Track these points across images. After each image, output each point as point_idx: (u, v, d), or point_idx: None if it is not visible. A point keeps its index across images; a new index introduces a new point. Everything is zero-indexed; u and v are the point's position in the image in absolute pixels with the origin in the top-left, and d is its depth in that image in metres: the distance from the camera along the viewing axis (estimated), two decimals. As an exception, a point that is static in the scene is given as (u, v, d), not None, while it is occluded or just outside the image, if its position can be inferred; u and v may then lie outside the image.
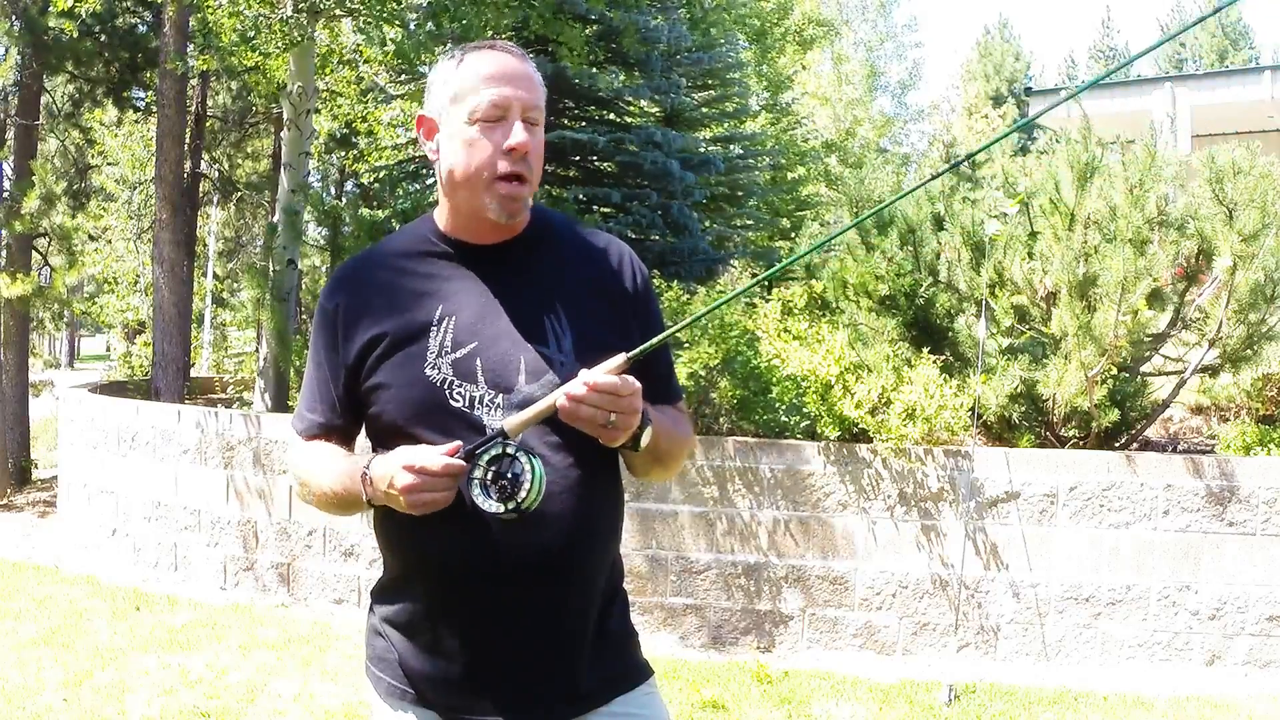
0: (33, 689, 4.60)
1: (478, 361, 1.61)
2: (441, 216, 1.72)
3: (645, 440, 1.57)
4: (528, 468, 1.48)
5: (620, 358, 1.50)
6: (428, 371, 1.61)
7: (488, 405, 1.60)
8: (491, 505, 1.48)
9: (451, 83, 1.64)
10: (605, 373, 1.48)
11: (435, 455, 1.49)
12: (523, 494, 1.47)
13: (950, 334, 5.96)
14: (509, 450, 1.49)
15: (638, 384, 1.51)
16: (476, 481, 1.49)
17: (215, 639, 5.42)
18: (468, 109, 1.61)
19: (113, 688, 4.64)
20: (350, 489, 1.61)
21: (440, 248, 1.70)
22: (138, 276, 18.10)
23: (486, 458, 1.49)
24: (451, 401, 1.60)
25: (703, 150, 10.64)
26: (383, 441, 1.64)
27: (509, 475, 1.48)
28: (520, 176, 1.62)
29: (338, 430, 1.72)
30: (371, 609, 1.76)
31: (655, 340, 1.55)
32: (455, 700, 1.65)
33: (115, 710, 4.39)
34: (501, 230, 1.68)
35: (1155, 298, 5.42)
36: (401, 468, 1.49)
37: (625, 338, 1.65)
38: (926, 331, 6.00)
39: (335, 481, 1.65)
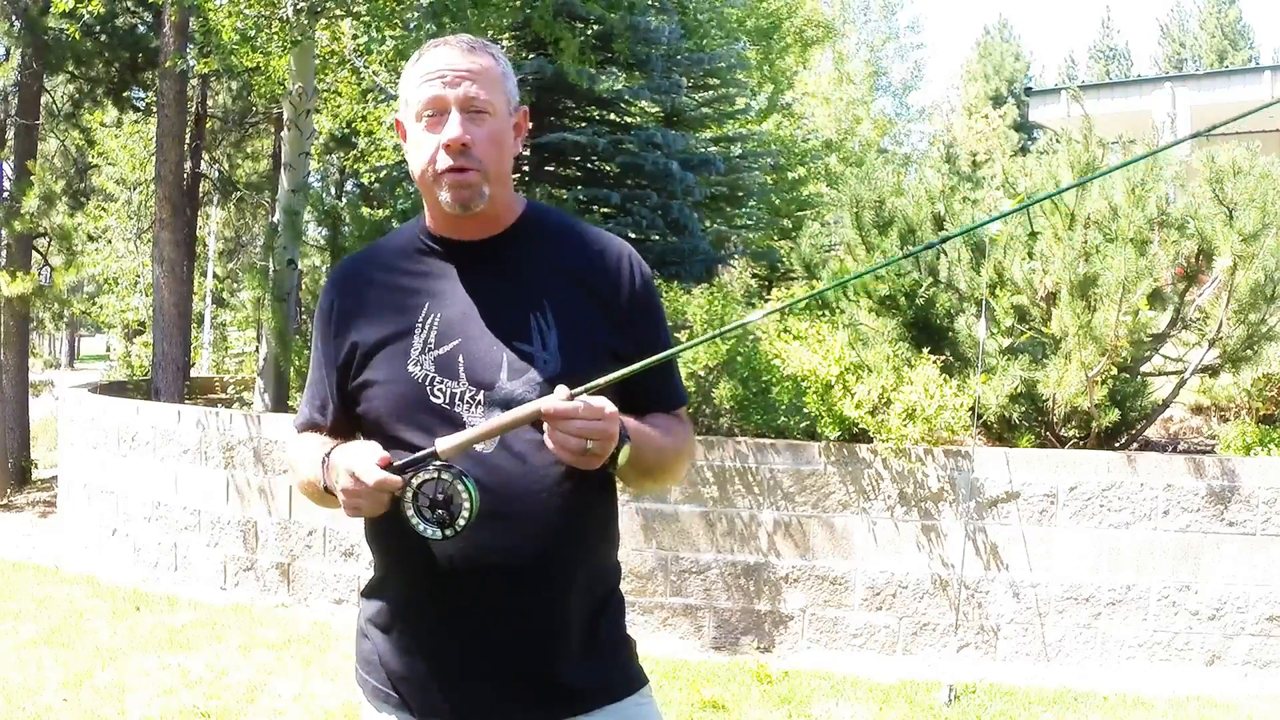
0: (33, 689, 4.60)
1: (460, 358, 1.61)
2: (428, 216, 1.72)
3: (623, 459, 1.53)
4: (460, 490, 1.47)
5: (561, 390, 1.47)
6: (410, 368, 1.61)
7: (468, 402, 1.59)
8: (426, 529, 1.48)
9: (407, 85, 1.65)
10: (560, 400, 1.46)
11: (371, 467, 1.47)
12: (455, 517, 1.47)
13: (950, 334, 5.95)
14: (440, 474, 1.48)
15: (604, 405, 1.47)
16: (409, 504, 1.48)
17: (215, 639, 5.41)
18: (414, 110, 1.62)
19: (113, 688, 4.64)
20: (320, 477, 1.61)
21: (429, 246, 1.70)
22: (138, 276, 18.09)
23: (418, 481, 1.48)
24: (432, 398, 1.60)
25: (703, 150, 10.64)
26: (370, 439, 1.62)
27: (440, 497, 1.47)
28: (461, 169, 1.60)
29: (326, 429, 1.72)
30: (359, 610, 1.76)
31: (621, 373, 1.50)
32: (429, 702, 1.63)
33: (115, 710, 4.39)
34: (486, 226, 1.67)
35: (1155, 298, 5.42)
36: (344, 471, 1.50)
37: (617, 336, 1.64)
38: (926, 331, 5.99)
39: (309, 470, 1.65)
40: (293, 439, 1.78)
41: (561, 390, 1.46)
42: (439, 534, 1.48)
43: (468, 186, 1.60)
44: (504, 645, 1.59)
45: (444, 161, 1.59)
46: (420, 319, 1.64)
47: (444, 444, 1.48)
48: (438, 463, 1.48)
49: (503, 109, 1.64)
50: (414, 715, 1.65)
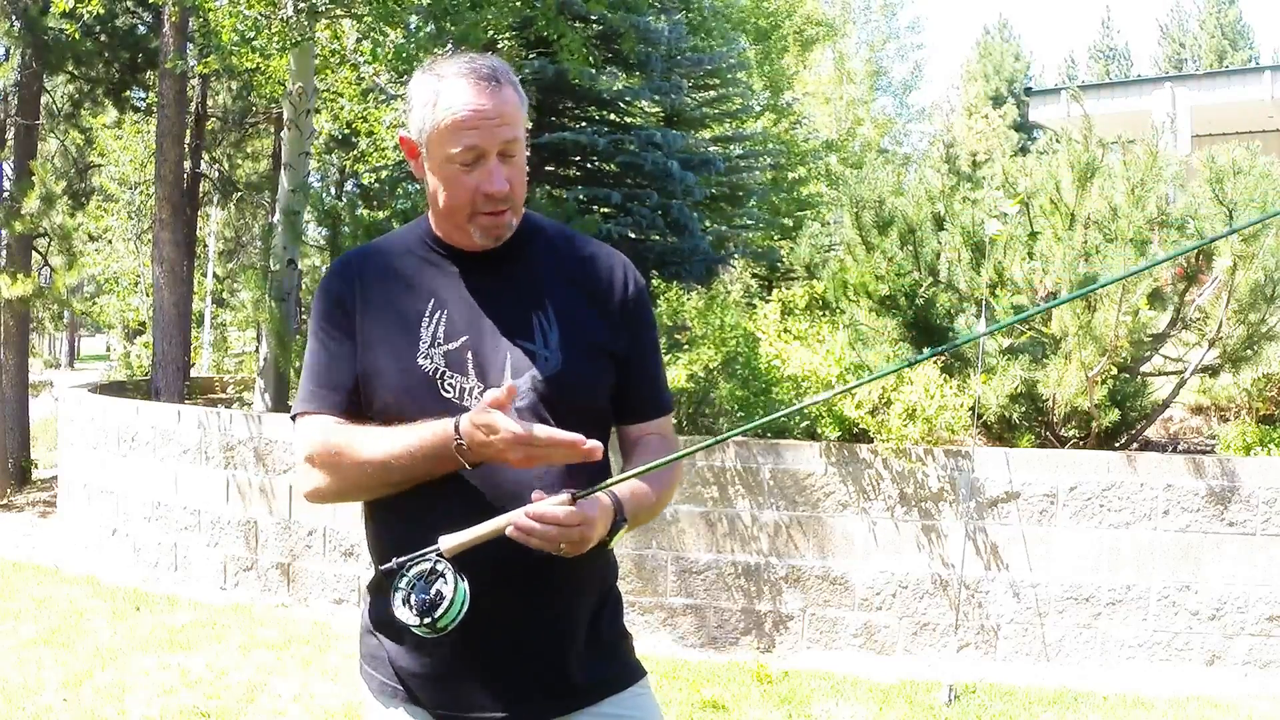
0: (33, 689, 4.60)
1: (468, 354, 1.66)
2: (433, 222, 1.76)
3: (614, 541, 1.62)
4: (451, 589, 1.49)
5: (565, 495, 1.51)
6: (420, 361, 1.66)
7: (476, 398, 1.63)
8: (408, 616, 1.50)
9: (429, 119, 1.65)
10: (552, 505, 1.50)
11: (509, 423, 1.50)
12: (439, 613, 1.48)
13: (950, 334, 5.96)
14: (439, 568, 1.50)
15: (587, 515, 1.52)
16: (400, 591, 1.50)
17: (215, 639, 5.41)
18: (445, 149, 1.64)
19: (113, 688, 4.64)
20: (427, 443, 1.57)
21: (434, 251, 1.74)
22: (138, 276, 18.10)
23: (414, 569, 1.50)
24: (443, 391, 1.64)
25: (703, 150, 10.64)
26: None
27: (431, 593, 1.49)
28: (499, 213, 1.67)
29: (355, 409, 1.68)
30: (364, 608, 1.78)
31: (624, 476, 1.59)
32: (442, 698, 1.67)
33: (115, 710, 4.39)
34: None
35: (1155, 298, 5.42)
36: (501, 427, 1.50)
37: (613, 339, 1.72)
38: (927, 331, 6.00)
39: (414, 437, 1.58)
40: (317, 423, 1.67)
41: (531, 506, 1.50)
42: (416, 621, 1.49)
43: (502, 227, 1.69)
44: (518, 642, 1.64)
45: (484, 206, 1.65)
46: (427, 314, 1.68)
47: (447, 542, 1.51)
48: (439, 558, 1.51)
49: (524, 135, 1.70)
50: (424, 709, 1.68)
